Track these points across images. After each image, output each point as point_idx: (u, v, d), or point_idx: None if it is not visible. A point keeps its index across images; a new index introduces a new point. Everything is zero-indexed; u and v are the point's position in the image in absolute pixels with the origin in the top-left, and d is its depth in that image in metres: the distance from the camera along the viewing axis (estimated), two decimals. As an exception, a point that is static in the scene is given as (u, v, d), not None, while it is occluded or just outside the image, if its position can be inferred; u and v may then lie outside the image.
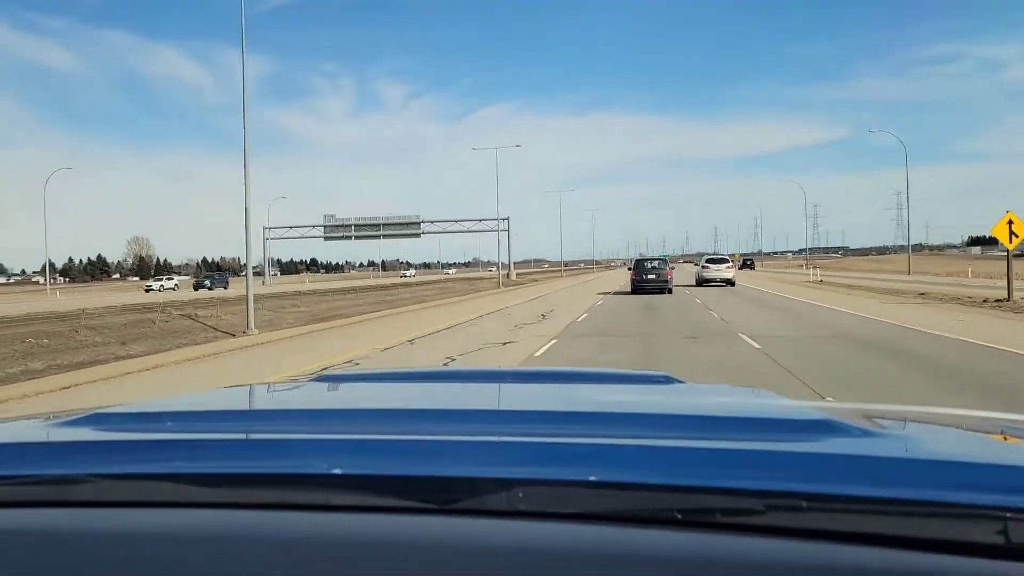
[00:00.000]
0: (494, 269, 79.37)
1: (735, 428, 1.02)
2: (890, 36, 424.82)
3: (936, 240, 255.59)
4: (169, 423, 1.08)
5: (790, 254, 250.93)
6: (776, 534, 0.65)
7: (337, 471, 0.77)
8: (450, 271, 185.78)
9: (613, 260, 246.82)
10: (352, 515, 0.72)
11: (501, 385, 1.63)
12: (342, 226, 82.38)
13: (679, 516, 0.68)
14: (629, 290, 32.60)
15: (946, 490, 0.67)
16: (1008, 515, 0.62)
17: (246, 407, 1.35)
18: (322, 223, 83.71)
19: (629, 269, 38.07)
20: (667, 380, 1.50)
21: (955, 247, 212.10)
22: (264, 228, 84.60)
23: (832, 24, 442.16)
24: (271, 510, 0.74)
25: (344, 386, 1.58)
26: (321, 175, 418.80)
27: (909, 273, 47.84)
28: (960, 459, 0.83)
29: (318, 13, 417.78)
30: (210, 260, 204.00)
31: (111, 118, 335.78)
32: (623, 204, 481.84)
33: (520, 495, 0.72)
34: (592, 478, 0.73)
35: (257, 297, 19.85)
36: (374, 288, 46.12)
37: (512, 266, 74.36)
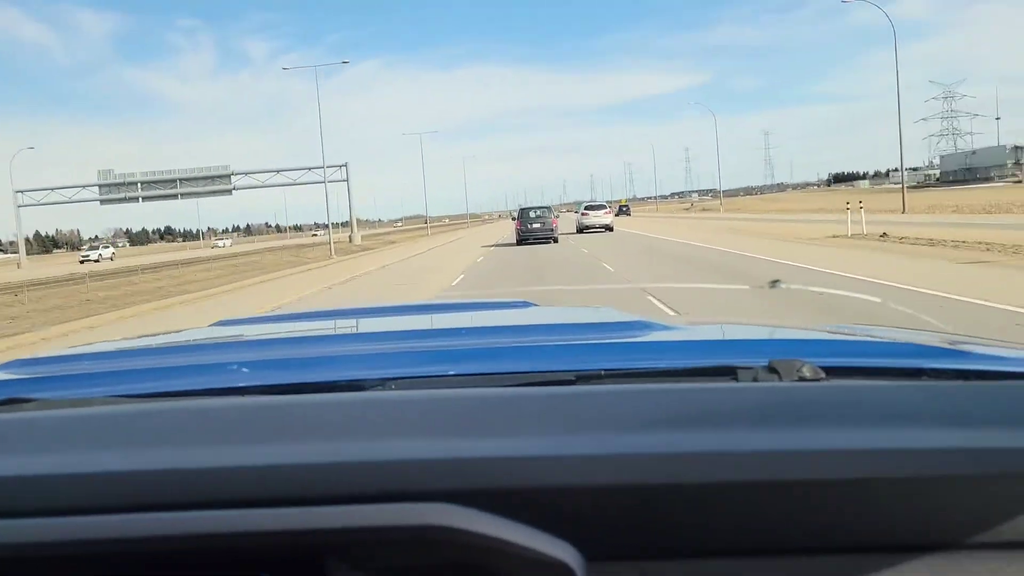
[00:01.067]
0: (320, 233, 59.73)
1: (560, 331, 1.37)
2: None
3: (800, 179, 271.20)
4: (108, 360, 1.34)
5: (672, 196, 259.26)
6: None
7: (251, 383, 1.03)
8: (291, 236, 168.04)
9: (490, 213, 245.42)
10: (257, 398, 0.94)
11: (380, 318, 1.89)
12: (124, 184, 60.74)
13: (502, 386, 0.92)
14: (514, 241, 32.01)
15: (691, 359, 1.01)
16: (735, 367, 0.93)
17: (163, 343, 1.61)
18: (96, 181, 60.86)
19: (513, 219, 37.22)
20: (525, 305, 1.77)
21: (814, 185, 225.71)
22: (16, 192, 60.58)
23: None
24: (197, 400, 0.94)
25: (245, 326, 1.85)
26: (181, 136, 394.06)
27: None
28: (705, 338, 1.30)
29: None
30: None
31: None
32: (499, 156, 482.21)
33: (393, 386, 0.97)
34: (451, 372, 1.02)
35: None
36: (125, 272, 32.16)
37: (356, 226, 58.19)
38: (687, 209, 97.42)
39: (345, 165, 55.02)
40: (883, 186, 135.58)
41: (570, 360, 1.05)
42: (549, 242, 30.05)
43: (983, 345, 1.13)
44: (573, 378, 0.95)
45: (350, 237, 53.52)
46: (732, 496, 0.63)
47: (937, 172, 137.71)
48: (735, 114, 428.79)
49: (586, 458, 0.64)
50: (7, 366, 1.29)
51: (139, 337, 1.80)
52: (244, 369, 1.10)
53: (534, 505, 0.63)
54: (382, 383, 0.98)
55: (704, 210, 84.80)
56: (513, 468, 0.64)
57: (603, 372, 0.96)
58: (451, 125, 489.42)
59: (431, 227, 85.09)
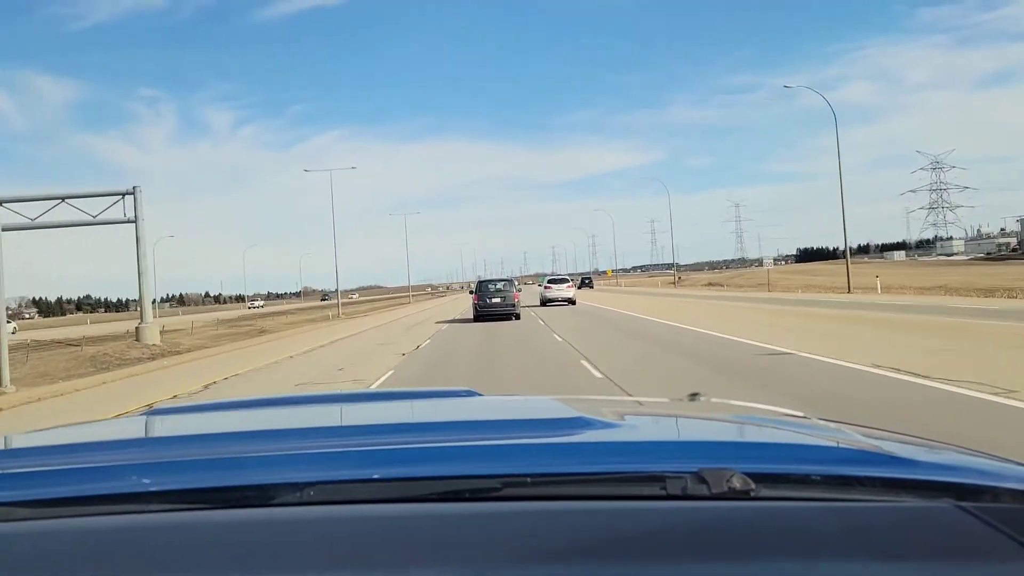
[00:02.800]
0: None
1: (496, 429, 1.32)
2: (695, 68, 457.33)
3: (769, 253, 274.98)
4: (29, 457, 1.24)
5: (637, 270, 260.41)
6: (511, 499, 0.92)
7: (154, 488, 0.97)
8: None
9: (447, 285, 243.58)
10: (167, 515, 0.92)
11: (318, 406, 1.88)
12: None
13: (448, 496, 0.94)
14: (471, 317, 30.19)
15: (621, 463, 1.00)
16: (666, 475, 0.92)
17: (79, 440, 1.51)
18: None
19: (471, 292, 34.93)
20: (469, 394, 1.78)
21: (781, 260, 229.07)
22: None
23: (645, 56, 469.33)
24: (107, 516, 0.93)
25: (177, 417, 1.83)
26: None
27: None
28: (641, 440, 1.26)
29: (137, 35, 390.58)
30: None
31: None
32: (459, 228, 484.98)
33: (311, 494, 0.94)
34: (376, 476, 1.00)
35: None
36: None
37: (149, 309, 27.42)
38: (673, 284, 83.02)
39: (134, 192, 25.72)
40: (916, 258, 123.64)
41: (500, 463, 1.05)
42: (510, 319, 28.30)
43: (928, 448, 1.16)
44: (499, 485, 0.96)
45: (137, 331, 27.10)
46: None
47: (1015, 240, 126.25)
48: (696, 190, 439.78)
49: None
50: None
51: (56, 427, 1.78)
52: (142, 478, 1.02)
53: None
54: (296, 488, 0.95)
55: (711, 285, 72.05)
56: None
57: (529, 479, 0.96)
58: (410, 196, 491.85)
59: (387, 299, 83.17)
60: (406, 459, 1.08)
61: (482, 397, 1.77)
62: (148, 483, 0.98)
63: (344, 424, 1.52)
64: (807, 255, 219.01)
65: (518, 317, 28.47)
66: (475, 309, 29.65)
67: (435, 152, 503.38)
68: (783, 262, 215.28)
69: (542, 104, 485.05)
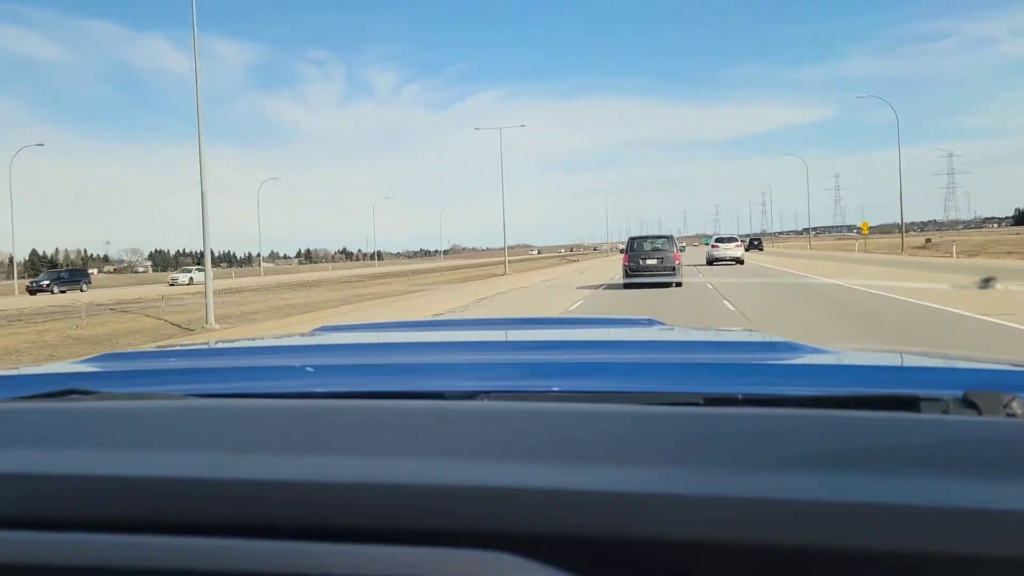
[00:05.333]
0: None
1: (689, 349, 1.27)
2: (875, 16, 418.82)
3: (982, 214, 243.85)
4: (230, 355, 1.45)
5: (812, 232, 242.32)
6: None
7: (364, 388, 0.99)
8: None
9: (602, 244, 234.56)
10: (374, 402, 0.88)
11: (490, 330, 1.87)
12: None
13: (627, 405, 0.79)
14: (619, 283, 24.04)
15: (844, 387, 0.89)
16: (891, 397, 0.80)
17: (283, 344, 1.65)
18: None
19: (621, 251, 27.94)
20: (650, 323, 1.73)
21: (992, 222, 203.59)
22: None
23: (819, 4, 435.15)
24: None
25: (349, 333, 1.86)
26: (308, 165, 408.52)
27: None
28: (857, 364, 1.12)
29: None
30: (160, 251, 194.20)
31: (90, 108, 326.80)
32: (617, 188, 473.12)
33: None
34: (555, 388, 0.95)
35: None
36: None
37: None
38: (857, 250, 60.40)
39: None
40: None
41: (698, 381, 0.92)
42: (669, 286, 21.81)
43: None
44: (700, 401, 0.83)
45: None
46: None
47: None
48: (876, 147, 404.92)
49: (716, 501, 0.52)
50: (97, 359, 1.34)
51: (231, 341, 2.15)
52: (310, 370, 1.08)
53: (640, 564, 0.50)
54: (470, 396, 0.90)
55: (923, 248, 54.09)
56: (611, 508, 0.52)
57: (740, 397, 0.84)
58: (570, 157, 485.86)
59: (529, 259, 79.25)
60: (588, 372, 1.00)
61: (667, 326, 1.67)
62: (322, 381, 1.01)
63: (527, 340, 1.46)
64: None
65: (679, 284, 21.86)
66: (625, 271, 23.12)
67: (592, 111, 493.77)
68: (994, 225, 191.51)
69: (706, 58, 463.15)
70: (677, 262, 22.58)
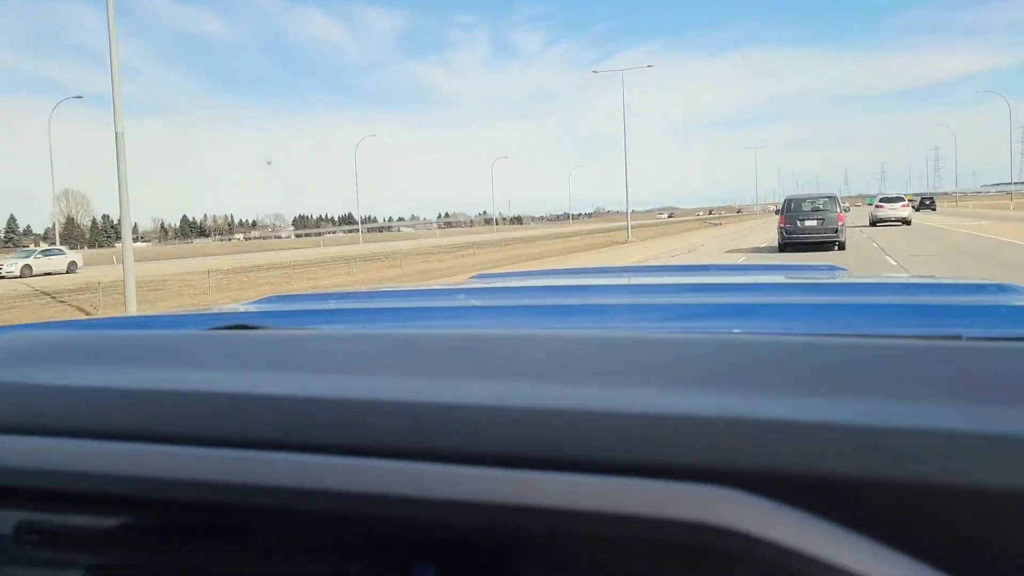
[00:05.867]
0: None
1: (887, 292, 1.22)
2: None
3: None
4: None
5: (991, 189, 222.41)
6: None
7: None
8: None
9: (753, 206, 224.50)
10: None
11: (661, 275, 1.89)
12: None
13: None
14: (775, 246, 22.61)
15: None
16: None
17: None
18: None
19: (776, 212, 25.86)
20: (831, 269, 1.70)
21: None
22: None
23: None
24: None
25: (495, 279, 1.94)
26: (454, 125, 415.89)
27: None
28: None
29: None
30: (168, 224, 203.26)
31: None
32: (768, 146, 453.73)
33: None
34: (735, 330, 0.91)
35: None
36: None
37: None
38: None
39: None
40: None
41: (912, 322, 0.85)
42: (832, 248, 20.25)
43: None
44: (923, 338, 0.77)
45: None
46: None
47: None
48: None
49: (975, 437, 0.46)
50: (264, 300, 1.47)
51: (393, 285, 2.12)
52: (474, 304, 1.13)
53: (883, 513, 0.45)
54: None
55: None
56: (847, 444, 0.47)
57: (964, 338, 0.77)
58: (716, 115, 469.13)
59: (657, 224, 73.08)
60: (761, 312, 0.96)
61: (853, 273, 1.62)
62: (478, 325, 1.03)
63: (696, 283, 1.45)
64: None
65: (842, 247, 20.20)
66: (781, 234, 21.60)
67: (744, 63, 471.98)
68: None
69: (870, 5, 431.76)
70: (840, 223, 20.76)
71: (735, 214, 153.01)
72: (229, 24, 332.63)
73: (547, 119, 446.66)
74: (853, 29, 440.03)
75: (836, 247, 20.18)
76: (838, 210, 21.22)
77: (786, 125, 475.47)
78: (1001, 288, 1.12)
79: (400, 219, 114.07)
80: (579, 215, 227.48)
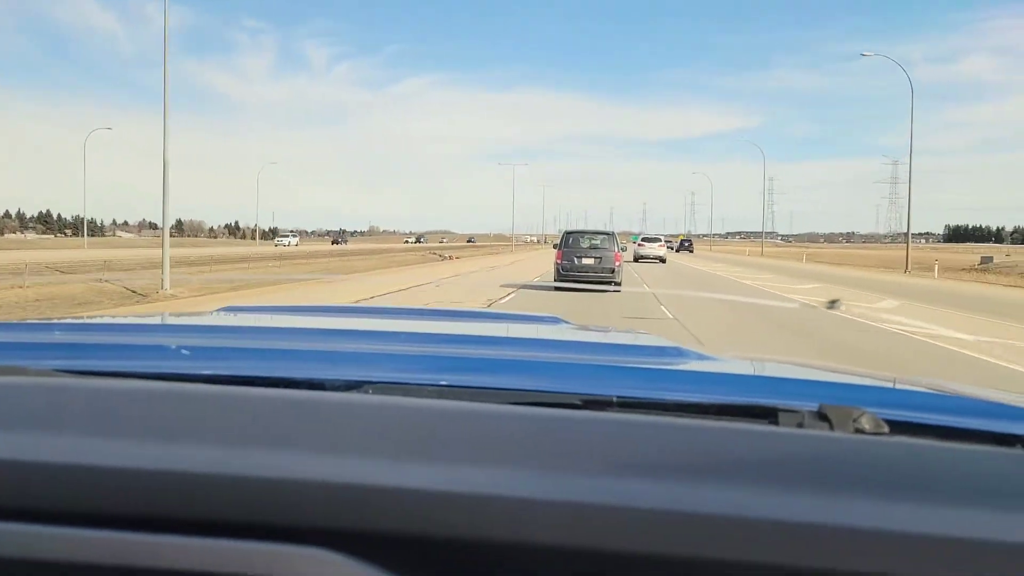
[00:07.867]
0: None
1: (577, 350, 1.26)
2: (805, 32, 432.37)
3: (916, 229, 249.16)
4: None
5: (737, 236, 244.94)
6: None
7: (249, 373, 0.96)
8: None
9: (527, 236, 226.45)
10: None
11: (386, 319, 1.85)
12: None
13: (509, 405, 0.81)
14: (549, 283, 21.70)
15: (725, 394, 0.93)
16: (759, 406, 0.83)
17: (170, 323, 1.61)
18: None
19: (555, 247, 25.80)
20: (555, 320, 1.74)
21: (921, 238, 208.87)
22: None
23: (752, 17, 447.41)
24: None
25: (247, 314, 1.82)
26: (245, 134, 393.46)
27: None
28: (731, 372, 1.13)
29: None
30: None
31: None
32: (543, 181, 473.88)
33: (369, 391, 0.90)
34: (442, 383, 0.94)
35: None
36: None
37: None
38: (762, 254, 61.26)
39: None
40: None
41: (578, 382, 0.96)
42: (608, 287, 19.58)
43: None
44: (578, 403, 0.86)
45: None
46: None
47: None
48: (803, 158, 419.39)
49: (571, 507, 0.52)
50: None
51: (126, 316, 2.73)
52: (186, 352, 1.06)
53: (478, 567, 0.51)
54: (351, 386, 0.91)
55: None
56: (458, 509, 0.52)
57: (615, 399, 0.88)
58: (499, 147, 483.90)
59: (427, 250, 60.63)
60: (470, 367, 0.99)
61: (569, 324, 1.71)
62: (194, 366, 0.98)
63: (417, 332, 1.45)
64: (958, 234, 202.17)
65: (618, 286, 19.68)
66: (557, 271, 20.70)
67: (524, 102, 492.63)
68: (921, 241, 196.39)
69: (639, 59, 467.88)
70: (617, 263, 20.34)
71: (504, 243, 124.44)
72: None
73: (320, 135, 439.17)
74: (623, 82, 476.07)
75: (613, 286, 19.60)
76: (615, 249, 20.86)
77: (562, 162, 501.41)
78: (676, 352, 1.18)
79: (124, 223, 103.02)
80: (354, 232, 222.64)
